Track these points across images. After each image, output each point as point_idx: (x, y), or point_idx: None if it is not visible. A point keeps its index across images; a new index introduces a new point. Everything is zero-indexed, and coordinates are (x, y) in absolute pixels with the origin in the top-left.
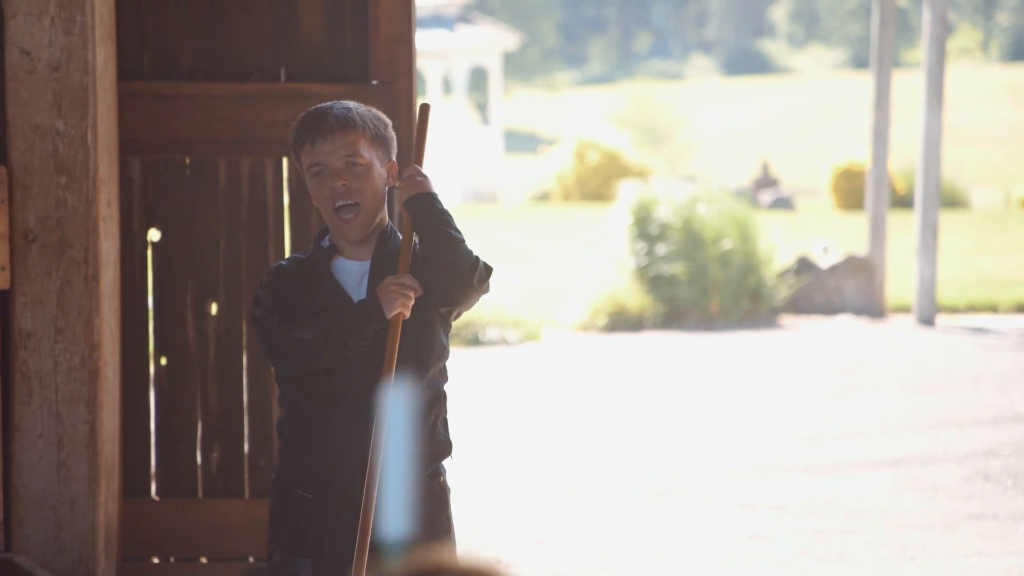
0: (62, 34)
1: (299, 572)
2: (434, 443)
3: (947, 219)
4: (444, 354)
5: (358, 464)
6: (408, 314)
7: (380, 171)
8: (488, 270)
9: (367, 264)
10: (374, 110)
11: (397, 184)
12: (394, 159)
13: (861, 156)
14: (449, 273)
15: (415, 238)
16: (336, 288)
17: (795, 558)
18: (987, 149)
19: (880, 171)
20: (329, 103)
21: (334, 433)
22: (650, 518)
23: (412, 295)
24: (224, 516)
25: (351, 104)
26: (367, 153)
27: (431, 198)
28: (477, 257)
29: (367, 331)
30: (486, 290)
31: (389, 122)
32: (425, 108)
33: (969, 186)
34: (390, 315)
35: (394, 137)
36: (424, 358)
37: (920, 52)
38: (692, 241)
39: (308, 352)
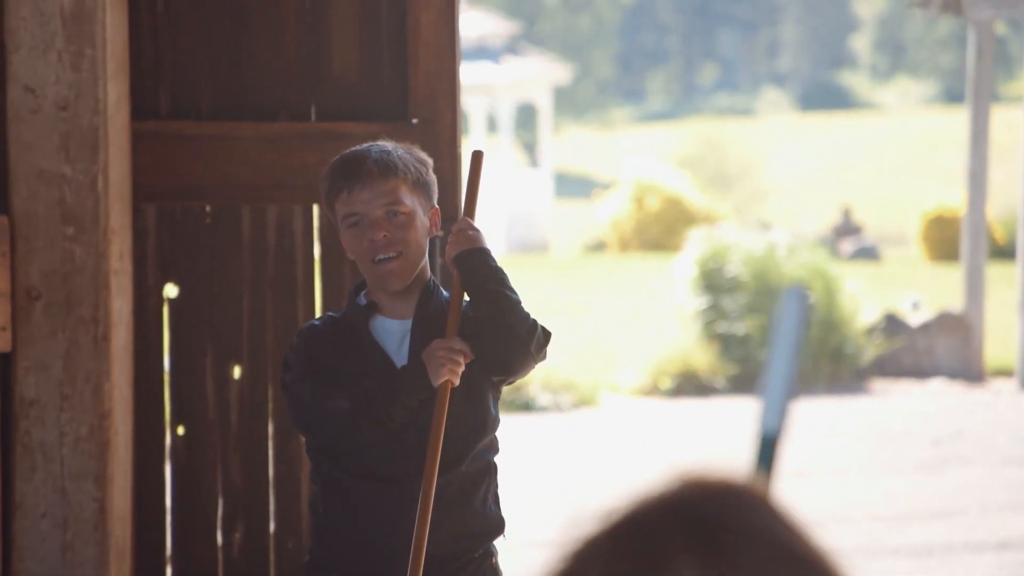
0: (70, 70)
1: None
2: (485, 520)
3: None
4: (494, 424)
5: (401, 545)
6: (457, 381)
7: (423, 219)
8: (547, 335)
9: (408, 323)
10: (414, 150)
11: (440, 233)
12: (436, 204)
13: (955, 201)
14: (504, 338)
15: (465, 298)
16: (376, 350)
17: None
18: None
19: (977, 218)
20: (365, 145)
21: (375, 511)
22: None
23: (462, 361)
24: None
25: (389, 146)
26: (409, 200)
27: (483, 254)
28: (535, 320)
29: (411, 400)
30: (543, 357)
31: (430, 162)
32: (478, 155)
33: None
34: (437, 382)
35: (435, 180)
36: (474, 429)
37: (1021, 85)
38: (766, 295)
39: (345, 423)
